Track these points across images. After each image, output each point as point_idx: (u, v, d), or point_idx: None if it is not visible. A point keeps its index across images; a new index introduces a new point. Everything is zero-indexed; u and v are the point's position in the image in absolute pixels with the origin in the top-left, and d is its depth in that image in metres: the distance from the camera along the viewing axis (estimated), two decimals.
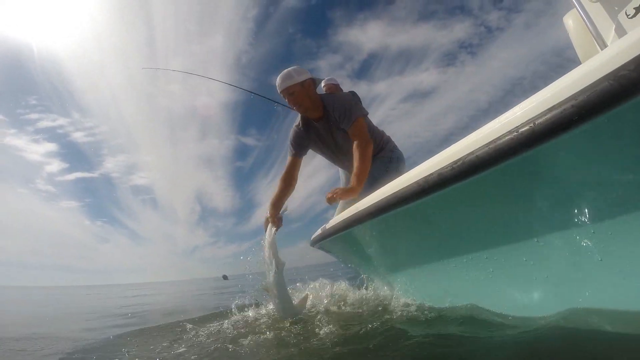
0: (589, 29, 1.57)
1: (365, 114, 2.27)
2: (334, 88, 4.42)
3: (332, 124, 2.34)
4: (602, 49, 1.51)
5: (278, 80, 2.25)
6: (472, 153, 0.98)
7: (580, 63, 1.83)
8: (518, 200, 1.08)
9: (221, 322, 2.27)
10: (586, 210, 0.97)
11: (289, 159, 2.51)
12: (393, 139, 2.91)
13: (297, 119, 2.50)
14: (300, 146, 2.48)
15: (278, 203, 2.42)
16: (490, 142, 0.93)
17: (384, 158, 2.36)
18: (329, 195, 2.08)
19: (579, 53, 1.76)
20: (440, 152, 1.13)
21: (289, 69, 2.27)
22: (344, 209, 2.46)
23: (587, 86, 0.76)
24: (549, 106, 0.81)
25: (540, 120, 0.83)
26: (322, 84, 4.39)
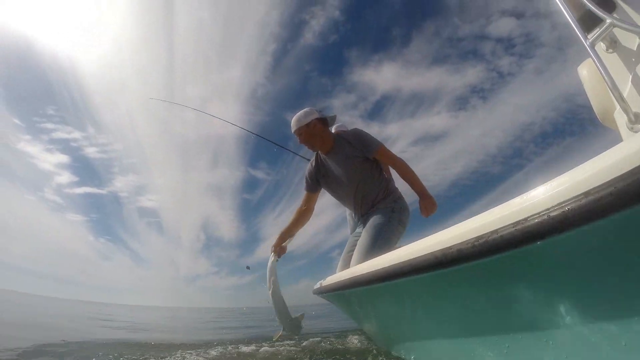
0: (604, 80, 1.50)
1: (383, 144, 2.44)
2: None
3: (341, 155, 2.46)
4: (618, 101, 1.44)
5: (291, 123, 2.52)
6: (496, 232, 0.89)
7: (595, 115, 1.77)
8: (542, 284, 0.97)
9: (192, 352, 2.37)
10: (614, 300, 0.87)
11: (304, 194, 2.74)
12: (400, 182, 3.26)
13: (313, 156, 2.72)
14: (310, 181, 2.66)
15: (286, 233, 2.67)
16: (517, 223, 0.85)
17: (386, 208, 2.32)
18: (426, 214, 2.29)
19: (594, 105, 1.69)
20: (462, 224, 1.04)
21: (299, 112, 2.51)
22: (351, 247, 2.37)
23: (627, 172, 0.68)
24: (584, 190, 0.73)
25: (572, 206, 0.74)
26: (333, 130, 4.41)
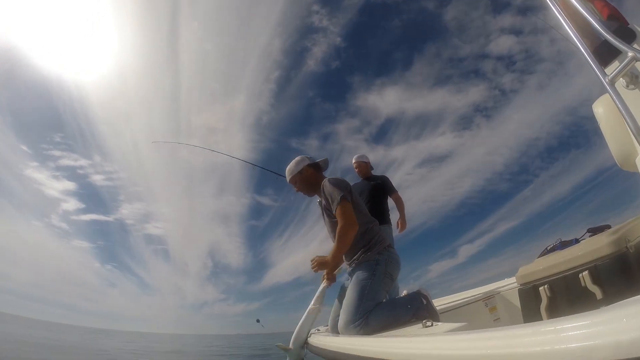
0: (624, 118, 1.25)
1: (346, 199, 2.21)
2: (364, 165, 4.30)
3: (320, 204, 2.45)
4: (638, 141, 1.19)
5: (285, 174, 2.57)
6: None
7: (611, 155, 1.51)
8: None
9: None
10: None
11: None
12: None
13: None
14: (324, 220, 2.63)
15: None
16: None
17: (369, 261, 2.12)
18: (312, 263, 2.32)
19: (612, 148, 1.43)
20: (446, 338, 0.79)
21: (291, 162, 2.54)
22: (342, 299, 2.18)
23: None
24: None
25: None
26: (353, 161, 4.25)
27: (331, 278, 2.54)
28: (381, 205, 4.07)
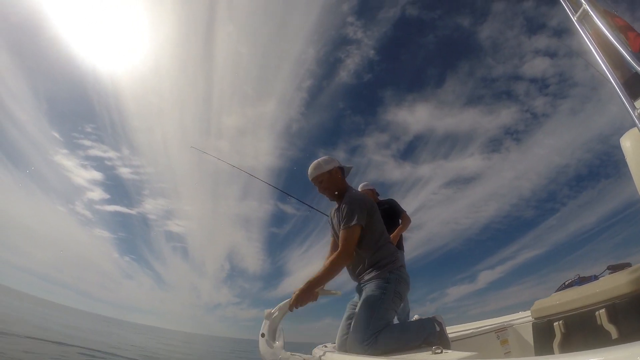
0: None
1: (360, 224, 2.12)
2: (370, 193, 4.25)
3: (335, 217, 2.35)
4: None
5: (309, 169, 2.38)
6: None
7: (637, 191, 1.46)
8: None
9: None
10: None
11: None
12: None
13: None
14: (332, 229, 2.49)
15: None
16: None
17: (379, 279, 2.06)
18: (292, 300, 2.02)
19: (637, 180, 1.39)
20: None
21: (319, 159, 2.38)
22: (350, 316, 2.14)
23: None
24: None
25: None
26: (359, 189, 4.19)
27: (298, 300, 2.03)
28: (392, 231, 3.99)
